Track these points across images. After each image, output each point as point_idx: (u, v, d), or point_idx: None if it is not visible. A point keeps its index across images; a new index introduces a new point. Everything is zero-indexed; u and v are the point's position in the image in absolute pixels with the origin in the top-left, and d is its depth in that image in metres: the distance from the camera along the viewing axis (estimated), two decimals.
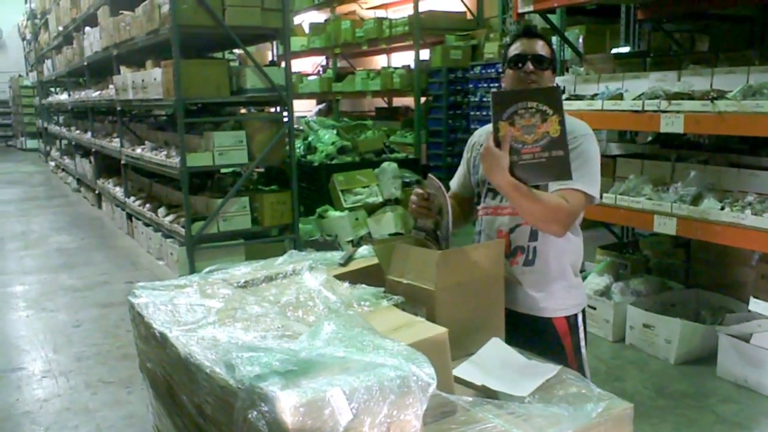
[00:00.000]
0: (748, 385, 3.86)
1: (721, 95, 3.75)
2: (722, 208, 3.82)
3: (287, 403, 1.30)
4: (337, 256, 2.48)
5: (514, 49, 2.37)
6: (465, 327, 2.08)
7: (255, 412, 1.35)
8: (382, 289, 2.07)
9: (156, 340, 1.87)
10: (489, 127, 2.54)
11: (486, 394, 1.82)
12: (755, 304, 3.74)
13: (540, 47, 2.35)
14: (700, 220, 3.87)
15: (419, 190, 2.39)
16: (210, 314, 1.87)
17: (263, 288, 2.18)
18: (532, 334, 2.29)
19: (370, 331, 1.61)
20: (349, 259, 2.44)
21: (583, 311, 2.45)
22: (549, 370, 1.94)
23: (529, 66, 2.31)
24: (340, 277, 2.20)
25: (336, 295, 2.01)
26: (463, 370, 1.92)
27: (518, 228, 2.33)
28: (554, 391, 1.82)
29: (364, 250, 2.51)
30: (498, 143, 2.10)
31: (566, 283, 2.38)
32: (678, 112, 3.89)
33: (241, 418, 1.39)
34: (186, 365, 1.65)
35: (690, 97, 3.91)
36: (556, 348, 2.33)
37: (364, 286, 2.09)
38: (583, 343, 2.42)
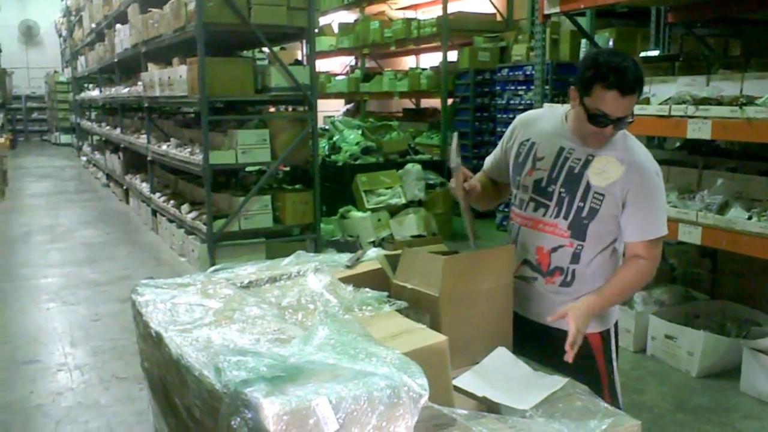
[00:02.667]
0: None
1: (750, 101, 3.63)
2: (749, 218, 3.69)
3: (270, 410, 1.27)
4: (345, 258, 2.44)
5: (601, 100, 2.04)
6: (470, 335, 2.02)
7: (238, 419, 1.32)
8: (386, 293, 2.03)
9: (152, 340, 1.84)
10: (538, 115, 2.50)
11: (487, 406, 1.76)
12: None
13: (628, 106, 2.06)
14: (725, 230, 3.75)
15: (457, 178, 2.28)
16: (207, 315, 1.85)
17: (266, 289, 2.15)
18: (564, 351, 2.15)
19: (365, 337, 1.57)
20: (357, 261, 2.39)
21: (616, 324, 2.38)
22: (555, 382, 1.88)
23: (610, 128, 2.10)
24: (346, 280, 2.15)
25: (337, 299, 1.97)
26: (465, 380, 1.86)
27: (561, 249, 2.23)
28: (558, 405, 1.76)
29: (372, 252, 2.46)
30: None
31: None
32: (705, 117, 3.77)
33: (225, 425, 1.35)
34: (177, 366, 1.62)
35: (718, 102, 3.79)
36: (588, 362, 2.24)
37: (368, 289, 2.05)
38: (614, 355, 2.35)
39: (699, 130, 3.80)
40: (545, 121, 2.35)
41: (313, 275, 2.20)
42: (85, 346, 4.68)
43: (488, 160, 2.54)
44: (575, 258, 2.21)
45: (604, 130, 2.11)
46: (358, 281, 2.13)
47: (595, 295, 2.17)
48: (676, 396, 3.91)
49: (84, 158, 16.05)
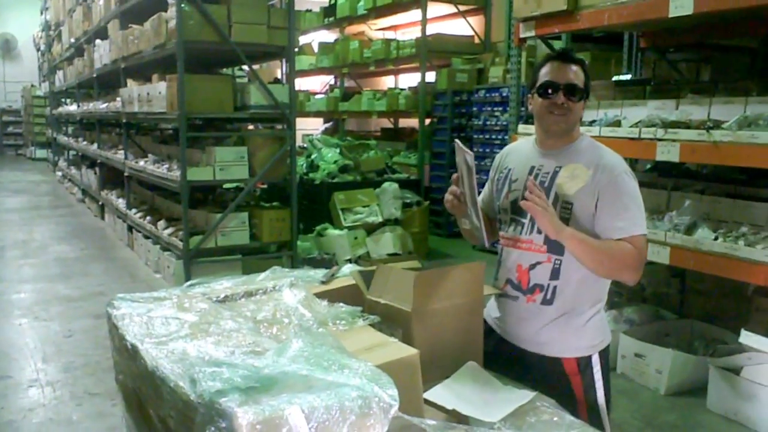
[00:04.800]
0: (738, 419, 3.82)
1: (717, 125, 3.74)
2: (715, 239, 3.80)
3: (244, 419, 1.30)
4: (320, 274, 2.47)
5: (545, 74, 2.21)
6: (441, 349, 2.06)
7: (213, 428, 1.35)
8: (360, 308, 2.06)
9: (128, 352, 1.86)
10: (516, 145, 2.54)
11: (456, 418, 1.80)
12: (746, 337, 3.70)
13: (575, 74, 2.19)
14: (693, 250, 3.85)
15: (453, 187, 2.30)
16: (183, 328, 1.87)
17: (241, 303, 2.17)
18: (539, 373, 2.21)
19: (338, 350, 1.61)
20: (332, 277, 2.43)
21: (603, 351, 2.31)
22: (523, 396, 1.92)
23: (561, 96, 2.18)
24: (321, 295, 2.19)
25: (312, 313, 2.01)
26: (435, 394, 1.90)
27: (539, 265, 2.23)
28: (526, 418, 1.81)
29: (347, 269, 2.50)
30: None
31: (583, 324, 2.26)
32: (674, 140, 3.89)
33: None
34: (153, 378, 1.64)
35: (687, 126, 3.90)
36: (563, 387, 2.22)
37: (342, 304, 2.09)
38: (600, 383, 2.28)
39: (668, 153, 3.91)
40: (520, 149, 2.45)
41: (289, 290, 2.23)
42: (57, 362, 4.64)
43: (481, 198, 2.54)
44: (555, 274, 2.21)
45: (558, 104, 2.18)
46: (332, 296, 2.17)
47: (574, 231, 2.13)
48: (645, 413, 3.98)
49: (59, 173, 15.92)
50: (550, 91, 2.19)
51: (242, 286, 2.33)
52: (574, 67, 2.20)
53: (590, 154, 2.24)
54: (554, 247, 2.20)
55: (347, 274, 2.44)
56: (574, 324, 2.25)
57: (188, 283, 2.42)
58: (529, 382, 2.06)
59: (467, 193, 2.24)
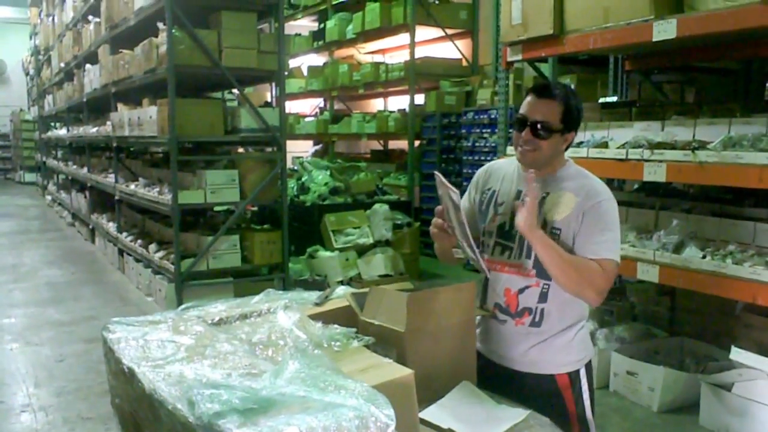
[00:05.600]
0: None
1: (702, 146, 3.81)
2: (703, 257, 3.85)
3: None
4: (314, 296, 2.50)
5: (522, 107, 2.25)
6: (435, 370, 2.09)
7: None
8: (354, 329, 2.09)
9: (125, 375, 1.87)
10: (498, 165, 2.54)
11: None
12: (736, 353, 3.74)
13: (549, 110, 2.19)
14: (681, 269, 3.89)
15: (437, 220, 2.30)
16: (179, 351, 1.88)
17: (236, 326, 2.19)
18: (533, 391, 2.25)
19: (334, 371, 1.63)
20: (326, 299, 2.46)
21: (589, 363, 2.39)
22: (516, 414, 1.95)
23: (527, 133, 2.21)
24: (315, 317, 2.21)
25: (307, 335, 2.03)
26: (431, 413, 1.93)
27: (528, 289, 2.27)
28: None
29: (340, 290, 2.53)
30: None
31: (570, 340, 2.32)
32: (660, 161, 3.94)
33: None
34: (150, 401, 1.66)
35: (672, 147, 3.97)
36: (556, 401, 2.29)
37: (336, 326, 2.11)
38: (586, 393, 2.36)
39: (655, 173, 3.97)
40: (503, 170, 2.46)
41: (283, 312, 2.25)
42: (49, 387, 4.62)
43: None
44: (543, 297, 2.26)
45: (524, 135, 2.21)
46: (326, 318, 2.19)
47: (544, 235, 2.16)
48: (638, 431, 4.00)
49: (49, 197, 15.89)
50: (520, 125, 2.24)
51: (237, 308, 2.35)
52: (553, 103, 2.20)
53: (577, 181, 2.28)
54: (543, 272, 2.23)
55: (341, 295, 2.46)
56: (562, 342, 2.31)
57: (183, 306, 2.43)
58: (521, 400, 2.09)
59: (457, 228, 2.23)
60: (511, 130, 5.26)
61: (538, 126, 2.20)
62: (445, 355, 2.13)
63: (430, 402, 2.00)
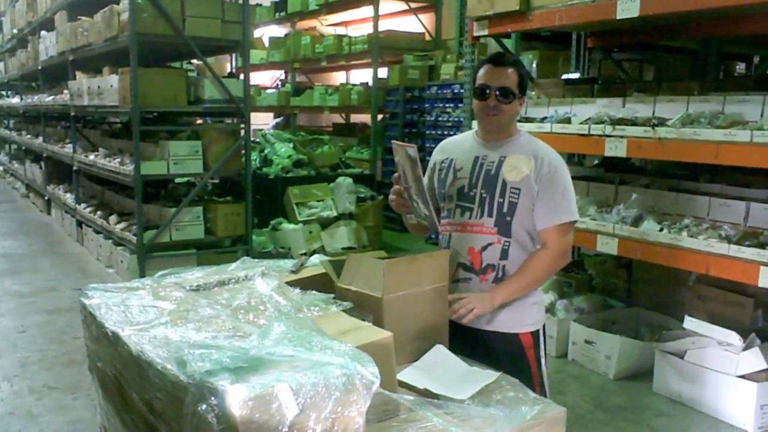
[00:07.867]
0: (682, 400, 4.03)
1: (661, 122, 3.94)
2: (660, 230, 3.99)
3: (236, 396, 1.36)
4: (289, 263, 2.54)
5: (480, 77, 2.41)
6: (410, 334, 2.16)
7: (204, 406, 1.41)
8: (332, 295, 2.15)
9: (108, 340, 1.90)
10: (453, 139, 2.69)
11: (428, 397, 1.90)
12: (690, 322, 3.91)
13: (507, 77, 2.38)
14: (639, 241, 4.04)
15: (396, 187, 2.45)
16: (162, 315, 1.92)
17: (215, 292, 2.23)
18: (498, 351, 2.39)
19: (319, 332, 1.68)
20: (301, 267, 2.51)
21: (544, 326, 2.55)
22: (488, 376, 2.03)
23: (493, 99, 2.37)
24: (292, 284, 2.26)
25: (287, 300, 2.08)
26: (407, 375, 2.00)
27: (490, 246, 2.41)
28: (492, 395, 1.92)
29: (315, 259, 2.58)
30: None
31: (532, 299, 2.47)
32: (621, 137, 4.07)
33: (191, 412, 1.44)
34: (137, 363, 1.69)
35: (633, 123, 4.09)
36: (520, 361, 2.43)
37: (314, 292, 2.17)
38: (543, 354, 2.51)
39: (615, 149, 4.09)
40: (460, 142, 2.64)
41: (261, 279, 2.29)
42: (13, 358, 4.58)
43: None
44: (504, 254, 2.40)
45: (488, 102, 2.37)
46: (304, 285, 2.25)
47: (502, 286, 2.37)
48: (595, 397, 4.16)
49: (1, 168, 15.48)
50: (484, 93, 2.39)
51: (214, 275, 2.38)
52: (509, 70, 2.39)
53: (529, 146, 2.46)
54: (503, 230, 2.40)
55: (316, 263, 2.51)
56: (526, 301, 2.46)
57: (159, 273, 2.45)
58: (489, 363, 2.19)
59: (412, 186, 2.35)
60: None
61: (502, 91, 2.37)
62: (420, 319, 2.20)
63: (406, 364, 2.08)
